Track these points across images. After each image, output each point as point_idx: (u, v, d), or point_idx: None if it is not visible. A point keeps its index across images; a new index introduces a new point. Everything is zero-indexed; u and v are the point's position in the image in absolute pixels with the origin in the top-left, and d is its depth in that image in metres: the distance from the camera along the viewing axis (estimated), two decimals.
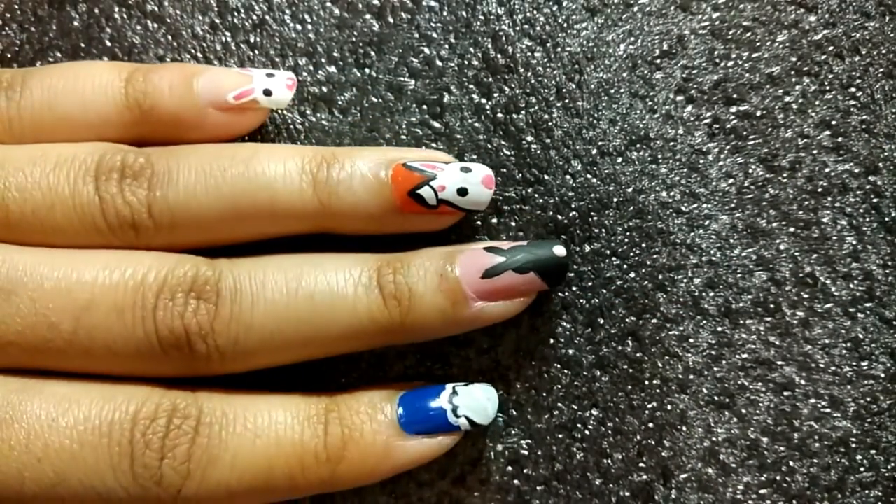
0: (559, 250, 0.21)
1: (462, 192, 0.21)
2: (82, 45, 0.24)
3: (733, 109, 0.24)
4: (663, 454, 0.23)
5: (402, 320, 0.20)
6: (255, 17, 0.24)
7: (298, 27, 0.24)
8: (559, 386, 0.23)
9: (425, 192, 0.21)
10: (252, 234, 0.21)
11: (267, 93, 0.21)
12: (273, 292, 0.20)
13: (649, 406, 0.23)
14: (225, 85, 0.21)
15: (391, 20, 0.24)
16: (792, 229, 0.23)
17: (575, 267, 0.23)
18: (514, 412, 0.23)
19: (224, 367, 0.20)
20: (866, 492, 0.23)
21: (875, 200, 0.23)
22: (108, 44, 0.24)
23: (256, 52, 0.24)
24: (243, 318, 0.19)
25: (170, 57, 0.24)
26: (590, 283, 0.23)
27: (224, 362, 0.20)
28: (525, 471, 0.23)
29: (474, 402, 0.21)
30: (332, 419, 0.20)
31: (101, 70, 0.21)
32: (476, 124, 0.24)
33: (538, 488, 0.23)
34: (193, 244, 0.21)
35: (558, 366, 0.23)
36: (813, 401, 0.23)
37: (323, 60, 0.24)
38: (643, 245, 0.23)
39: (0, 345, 0.19)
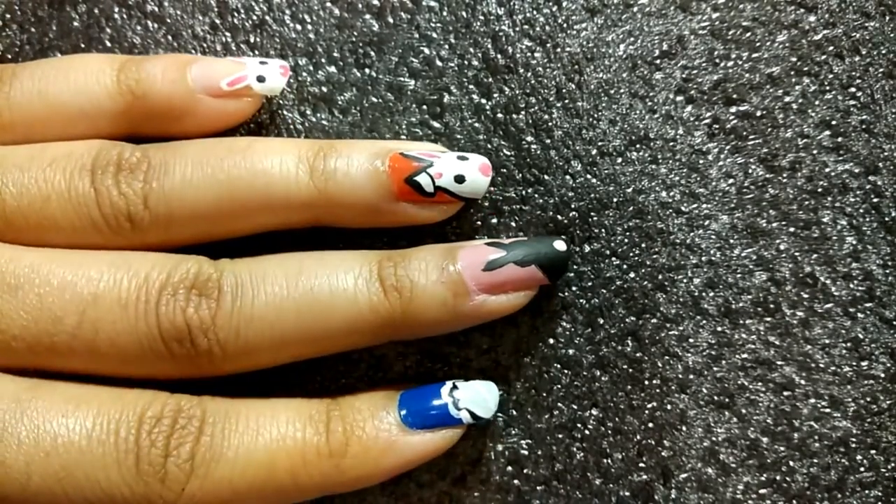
0: (560, 245, 0.21)
1: (459, 179, 0.21)
2: (82, 46, 0.24)
3: (733, 109, 0.24)
4: (663, 454, 0.23)
5: (402, 311, 0.20)
6: (255, 18, 0.24)
7: (298, 27, 0.24)
8: (559, 386, 0.23)
9: (422, 178, 0.21)
10: (249, 226, 0.21)
11: (260, 79, 0.22)
12: (273, 286, 0.20)
13: (649, 406, 0.23)
14: (218, 72, 0.21)
15: (391, 20, 0.24)
16: (792, 229, 0.23)
17: (575, 267, 0.23)
18: (514, 412, 0.23)
19: (226, 365, 0.20)
20: (866, 492, 0.23)
21: (875, 200, 0.23)
22: (109, 44, 0.24)
23: (256, 52, 0.24)
24: (244, 311, 0.20)
25: None
26: (590, 283, 0.23)
27: (226, 358, 0.20)
28: (525, 471, 0.23)
29: (475, 394, 0.21)
30: (334, 416, 0.20)
31: (94, 60, 0.22)
32: (476, 124, 0.24)
33: (538, 488, 0.23)
34: (191, 238, 0.21)
35: (558, 366, 0.23)
36: (813, 401, 0.23)
37: (323, 60, 0.24)
38: (643, 245, 0.23)
39: (6, 339, 0.19)
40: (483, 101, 0.24)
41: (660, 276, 0.23)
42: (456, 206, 0.22)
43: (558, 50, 0.24)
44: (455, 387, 0.21)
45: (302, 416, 0.20)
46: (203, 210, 0.20)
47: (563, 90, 0.24)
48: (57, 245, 0.20)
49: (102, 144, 0.21)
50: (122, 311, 0.19)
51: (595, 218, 0.23)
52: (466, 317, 0.21)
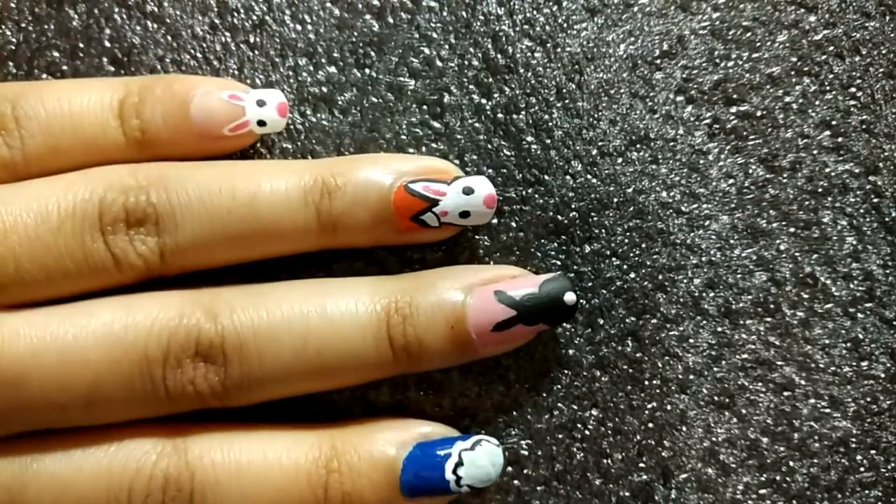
0: (570, 298, 0.21)
1: (464, 214, 0.21)
2: (81, 46, 0.24)
3: (733, 110, 0.24)
4: (663, 454, 0.23)
5: (408, 366, 0.21)
6: (254, 18, 0.24)
7: (298, 27, 0.24)
8: (559, 386, 0.23)
9: (427, 217, 0.21)
10: (256, 256, 0.21)
11: (261, 123, 0.22)
12: (280, 349, 0.20)
13: (649, 406, 0.23)
14: (219, 118, 0.21)
15: (391, 20, 0.24)
16: (792, 229, 0.23)
17: (575, 267, 0.23)
18: (514, 412, 0.23)
19: (234, 404, 0.21)
20: (866, 492, 0.23)
21: (875, 200, 0.24)
22: (108, 44, 0.24)
23: (256, 52, 0.24)
24: (252, 374, 0.20)
25: (170, 58, 0.24)
26: (590, 284, 0.23)
27: (234, 403, 0.21)
28: (525, 471, 0.23)
29: (478, 470, 0.21)
30: (333, 481, 0.20)
31: (93, 96, 0.21)
32: (476, 125, 0.24)
33: (538, 488, 0.23)
34: (199, 268, 0.21)
35: (558, 366, 0.23)
36: (813, 401, 0.23)
37: (323, 61, 0.24)
38: (643, 245, 0.23)
39: (11, 425, 0.20)
40: (483, 101, 0.24)
41: (660, 277, 0.23)
42: (458, 230, 0.22)
43: (558, 50, 0.24)
44: (460, 461, 0.21)
45: (300, 474, 0.20)
46: (214, 254, 0.21)
47: (564, 90, 0.24)
48: (68, 291, 0.20)
49: (105, 186, 0.20)
50: (127, 390, 0.20)
51: (595, 218, 0.23)
52: (467, 361, 0.22)
